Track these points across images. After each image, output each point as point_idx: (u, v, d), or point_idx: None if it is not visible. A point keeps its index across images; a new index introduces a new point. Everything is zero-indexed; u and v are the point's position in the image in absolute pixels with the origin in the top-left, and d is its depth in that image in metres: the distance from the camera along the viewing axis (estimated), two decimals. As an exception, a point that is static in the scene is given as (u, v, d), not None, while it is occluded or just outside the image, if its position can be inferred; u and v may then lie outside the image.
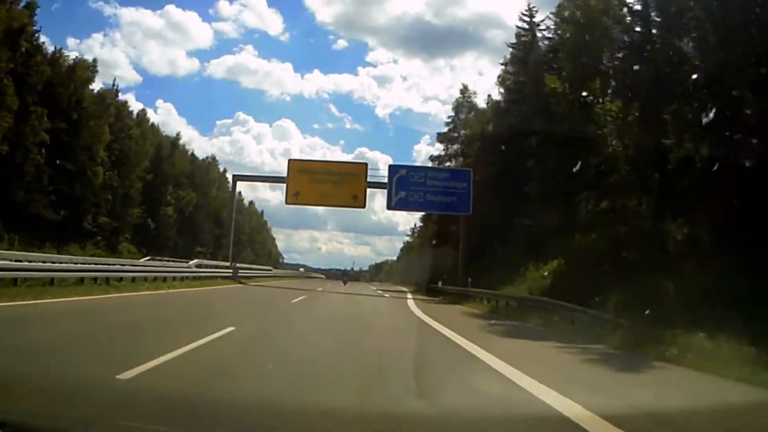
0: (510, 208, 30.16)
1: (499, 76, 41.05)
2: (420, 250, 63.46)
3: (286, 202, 36.73)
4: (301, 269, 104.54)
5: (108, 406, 4.44)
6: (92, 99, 41.01)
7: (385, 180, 35.81)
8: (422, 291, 40.07)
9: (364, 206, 36.67)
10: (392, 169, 36.13)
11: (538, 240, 26.00)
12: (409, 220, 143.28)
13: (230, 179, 50.15)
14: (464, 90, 47.99)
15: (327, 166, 39.37)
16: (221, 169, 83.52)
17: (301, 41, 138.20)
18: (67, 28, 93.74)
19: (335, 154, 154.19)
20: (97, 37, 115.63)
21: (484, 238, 34.30)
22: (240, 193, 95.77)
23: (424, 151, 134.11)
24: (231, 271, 36.43)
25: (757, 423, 5.52)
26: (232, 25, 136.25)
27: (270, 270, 66.08)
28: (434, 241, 43.57)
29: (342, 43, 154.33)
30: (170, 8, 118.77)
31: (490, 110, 42.12)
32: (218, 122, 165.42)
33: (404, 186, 34.95)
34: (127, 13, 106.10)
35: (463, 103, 46.90)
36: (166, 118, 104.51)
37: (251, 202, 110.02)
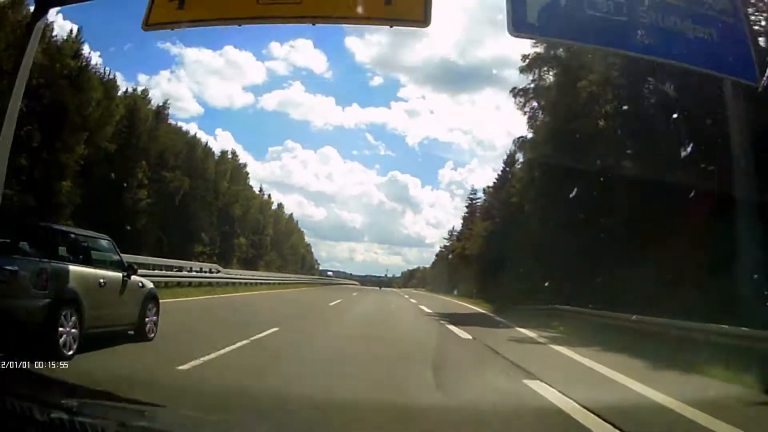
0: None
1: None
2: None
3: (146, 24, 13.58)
4: (330, 273, 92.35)
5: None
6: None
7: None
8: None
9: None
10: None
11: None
12: (435, 234, 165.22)
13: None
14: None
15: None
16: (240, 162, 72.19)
17: (343, 78, 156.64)
18: (138, 65, 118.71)
19: (371, 177, 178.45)
20: (164, 73, 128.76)
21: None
22: (269, 196, 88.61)
23: (448, 176, 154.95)
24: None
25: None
26: (282, 64, 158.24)
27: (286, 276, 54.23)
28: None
29: (378, 80, 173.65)
30: (228, 48, 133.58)
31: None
32: (270, 149, 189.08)
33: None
34: (191, 53, 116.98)
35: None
36: (224, 144, 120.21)
37: (280, 204, 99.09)
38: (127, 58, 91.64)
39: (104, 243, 8.75)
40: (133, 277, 8.84)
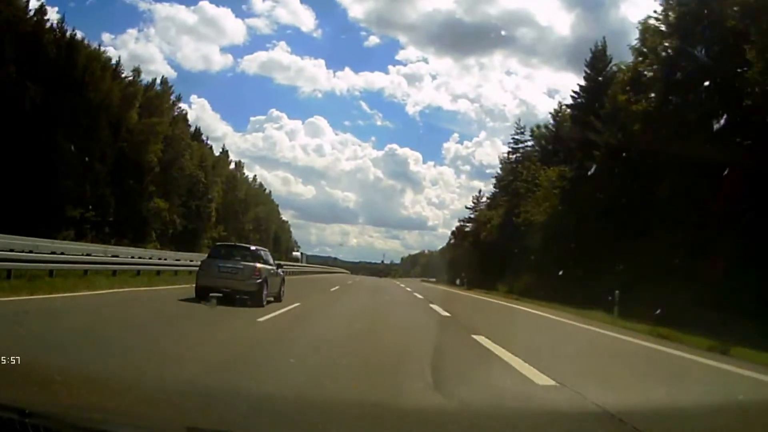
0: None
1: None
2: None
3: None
4: (297, 252, 69.76)
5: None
6: None
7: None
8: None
9: None
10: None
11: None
12: (438, 215, 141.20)
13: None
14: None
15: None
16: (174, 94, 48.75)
17: (334, 38, 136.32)
18: (102, 23, 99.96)
19: (366, 150, 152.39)
20: (132, 32, 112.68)
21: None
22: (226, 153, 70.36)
23: (453, 150, 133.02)
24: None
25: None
26: (264, 21, 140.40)
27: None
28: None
29: (374, 40, 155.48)
30: (204, 4, 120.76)
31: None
32: (252, 119, 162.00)
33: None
34: (162, 9, 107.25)
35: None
36: (200, 113, 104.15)
37: (240, 163, 76.67)
38: (90, 14, 78.97)
39: (267, 252, 16.29)
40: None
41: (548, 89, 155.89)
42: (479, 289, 34.61)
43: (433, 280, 77.47)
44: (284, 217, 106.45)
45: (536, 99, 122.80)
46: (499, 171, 52.85)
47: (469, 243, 50.11)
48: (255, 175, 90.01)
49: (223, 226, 60.21)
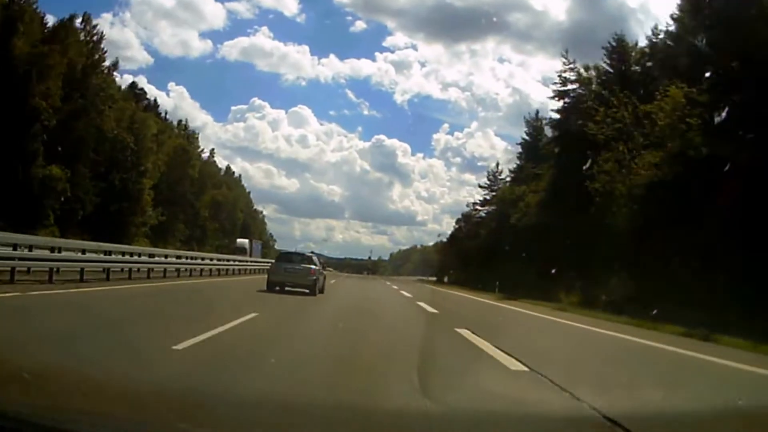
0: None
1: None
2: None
3: None
4: (244, 241, 55.76)
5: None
6: None
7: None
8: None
9: None
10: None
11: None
12: (428, 210, 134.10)
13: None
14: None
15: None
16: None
17: (318, 22, 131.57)
18: (75, 6, 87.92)
19: (352, 141, 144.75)
20: (107, 16, 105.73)
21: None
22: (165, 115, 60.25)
23: (443, 141, 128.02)
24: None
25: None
26: (245, 5, 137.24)
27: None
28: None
29: (360, 25, 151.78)
30: None
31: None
32: (233, 108, 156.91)
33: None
34: None
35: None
36: (178, 101, 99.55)
37: (193, 136, 63.71)
38: None
39: (316, 257, 19.96)
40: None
41: (543, 77, 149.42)
42: (528, 300, 21.78)
43: (433, 279, 65.64)
44: (266, 212, 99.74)
45: (530, 87, 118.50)
46: (525, 135, 40.26)
47: (488, 231, 37.36)
48: (212, 149, 76.18)
49: (161, 209, 46.63)
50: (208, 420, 3.61)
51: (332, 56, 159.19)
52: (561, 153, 26.85)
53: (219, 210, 65.92)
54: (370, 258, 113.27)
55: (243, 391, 4.60)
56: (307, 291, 16.85)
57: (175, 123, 62.60)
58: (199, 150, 65.66)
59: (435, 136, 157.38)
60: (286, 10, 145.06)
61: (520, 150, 41.15)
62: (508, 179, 42.38)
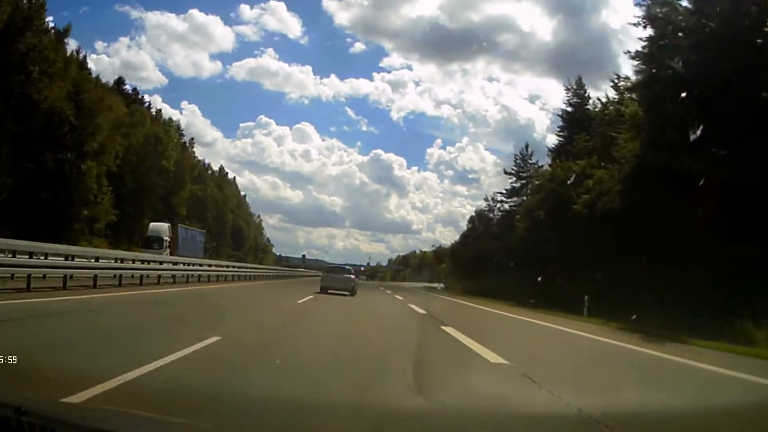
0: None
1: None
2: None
3: None
4: (159, 225, 44.10)
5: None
6: None
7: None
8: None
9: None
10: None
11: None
12: (422, 219, 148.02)
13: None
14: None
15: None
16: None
17: (320, 44, 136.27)
18: (95, 31, 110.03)
19: (351, 155, 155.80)
20: (124, 40, 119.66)
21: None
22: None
23: (436, 155, 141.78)
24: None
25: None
26: (252, 28, 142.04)
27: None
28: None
29: (359, 46, 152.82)
30: (193, 12, 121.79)
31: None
32: (241, 125, 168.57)
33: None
34: (152, 17, 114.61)
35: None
36: (191, 119, 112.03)
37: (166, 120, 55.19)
38: (83, 22, 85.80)
39: (352, 268, 29.35)
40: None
41: (530, 94, 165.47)
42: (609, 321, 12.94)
43: (441, 286, 57.45)
44: (272, 221, 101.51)
45: (517, 104, 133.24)
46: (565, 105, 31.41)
47: (530, 224, 28.31)
48: (191, 138, 67.66)
49: (127, 205, 37.83)
50: None
51: (333, 76, 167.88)
52: (657, 102, 18.00)
53: (202, 209, 57.33)
54: (369, 264, 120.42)
55: None
56: (346, 293, 22.55)
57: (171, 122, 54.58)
58: (180, 141, 57.40)
59: (429, 150, 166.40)
60: (291, 33, 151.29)
61: (561, 123, 32.49)
62: (539, 164, 33.78)
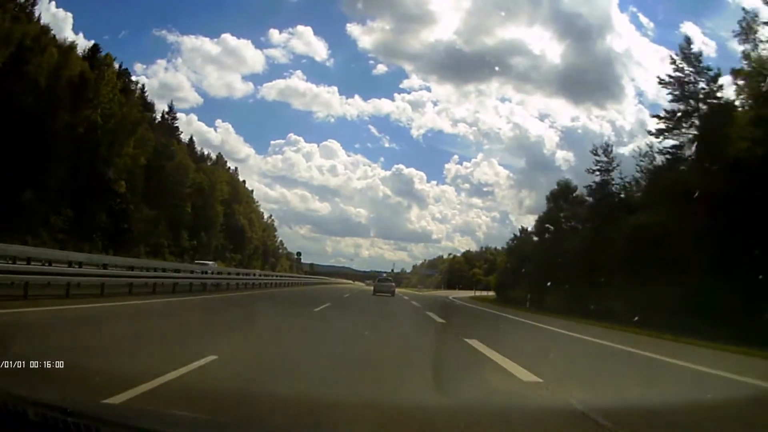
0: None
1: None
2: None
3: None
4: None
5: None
6: None
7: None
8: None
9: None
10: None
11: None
12: (441, 229, 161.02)
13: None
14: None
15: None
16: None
17: (344, 66, 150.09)
18: (135, 54, 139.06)
19: (375, 170, 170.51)
20: (161, 62, 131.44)
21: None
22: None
23: (454, 170, 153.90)
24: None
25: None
26: (281, 51, 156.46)
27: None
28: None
29: (381, 68, 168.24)
30: (226, 36, 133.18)
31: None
32: (272, 142, 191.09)
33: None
34: (188, 41, 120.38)
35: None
36: (225, 136, 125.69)
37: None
38: (123, 46, 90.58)
39: (392, 277, 55.62)
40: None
41: (539, 113, 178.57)
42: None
43: (490, 295, 51.74)
44: (302, 232, 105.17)
45: (528, 123, 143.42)
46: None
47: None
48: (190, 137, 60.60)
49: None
50: None
51: (357, 96, 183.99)
52: None
53: (199, 203, 49.99)
54: (392, 270, 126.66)
55: None
56: (389, 294, 35.67)
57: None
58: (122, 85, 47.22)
59: (446, 165, 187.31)
60: (317, 56, 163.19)
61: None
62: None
